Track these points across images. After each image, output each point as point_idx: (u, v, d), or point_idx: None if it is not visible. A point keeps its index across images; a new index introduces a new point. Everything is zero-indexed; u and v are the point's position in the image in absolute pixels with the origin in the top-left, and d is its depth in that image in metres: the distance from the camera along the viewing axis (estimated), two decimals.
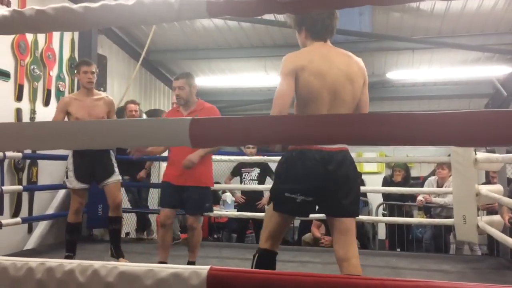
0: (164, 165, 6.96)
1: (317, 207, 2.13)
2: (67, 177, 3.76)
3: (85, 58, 4.42)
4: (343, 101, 2.04)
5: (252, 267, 2.02)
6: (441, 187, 5.28)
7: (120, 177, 3.90)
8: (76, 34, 5.59)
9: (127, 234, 6.07)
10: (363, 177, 8.92)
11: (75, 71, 3.86)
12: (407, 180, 5.79)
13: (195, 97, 3.45)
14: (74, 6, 1.20)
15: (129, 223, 6.22)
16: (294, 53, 2.08)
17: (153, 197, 6.39)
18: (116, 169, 3.86)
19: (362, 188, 6.88)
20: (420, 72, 7.86)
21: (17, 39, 4.65)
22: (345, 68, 2.04)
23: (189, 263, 3.50)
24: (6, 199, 4.35)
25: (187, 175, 3.32)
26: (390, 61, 7.76)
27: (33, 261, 1.22)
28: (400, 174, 5.78)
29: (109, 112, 3.82)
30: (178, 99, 3.40)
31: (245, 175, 5.67)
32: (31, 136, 1.28)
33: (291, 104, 2.03)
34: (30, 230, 4.83)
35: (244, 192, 5.72)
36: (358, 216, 2.16)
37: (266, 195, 5.39)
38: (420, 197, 5.35)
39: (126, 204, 5.35)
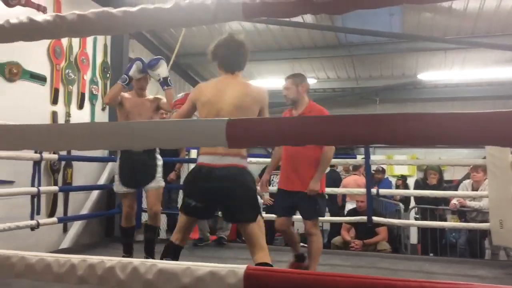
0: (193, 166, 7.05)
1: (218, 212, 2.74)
2: (114, 181, 3.68)
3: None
4: None
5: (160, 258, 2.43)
6: (476, 190, 5.14)
7: (162, 184, 3.67)
8: (109, 38, 5.72)
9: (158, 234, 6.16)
10: (391, 179, 8.81)
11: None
12: (441, 183, 5.66)
13: (307, 98, 3.35)
14: (114, 10, 1.23)
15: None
16: (199, 85, 2.68)
17: None
18: (159, 174, 3.64)
19: (394, 191, 6.83)
20: (452, 73, 7.70)
21: (53, 44, 4.80)
22: (234, 100, 2.42)
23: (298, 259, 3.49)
24: (43, 200, 4.48)
25: (299, 181, 3.28)
26: (421, 62, 7.63)
27: (75, 258, 1.26)
28: (435, 177, 5.66)
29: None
30: (285, 99, 3.34)
31: (273, 177, 5.67)
32: (70, 136, 1.32)
33: None
34: (65, 230, 4.97)
35: (272, 194, 5.71)
36: (251, 221, 2.37)
37: None
38: (454, 201, 5.22)
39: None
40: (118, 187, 3.60)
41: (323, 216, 3.72)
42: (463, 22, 6.10)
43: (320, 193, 3.30)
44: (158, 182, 3.62)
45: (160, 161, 3.67)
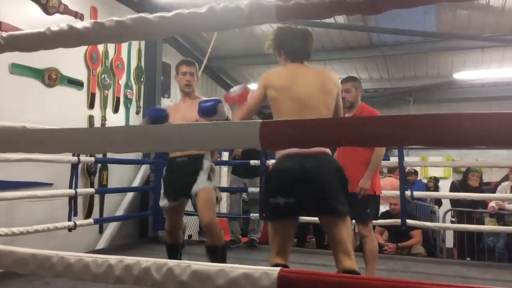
0: (224, 169, 7.10)
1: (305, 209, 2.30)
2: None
3: (187, 58, 3.69)
4: (314, 108, 2.21)
5: None
6: None
7: (211, 185, 2.99)
8: (143, 43, 5.84)
9: (190, 236, 6.23)
10: (425, 181, 8.60)
11: (175, 72, 3.25)
12: (481, 185, 5.50)
13: (360, 101, 3.38)
14: (150, 16, 1.26)
15: (192, 225, 6.39)
16: (269, 71, 2.38)
17: None
18: (204, 176, 2.98)
19: (428, 193, 6.67)
20: (490, 71, 7.46)
21: (90, 50, 4.94)
22: (315, 82, 2.25)
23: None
24: (80, 201, 4.62)
25: (352, 182, 3.04)
26: (457, 61, 7.44)
27: (113, 258, 1.29)
28: (477, 179, 5.50)
29: None
30: (344, 102, 3.18)
31: None
32: (108, 139, 1.36)
33: (256, 111, 2.39)
34: (101, 231, 5.09)
35: None
36: (344, 214, 2.14)
37: None
38: (492, 203, 5.06)
39: (189, 207, 5.51)
40: (163, 201, 3.06)
41: (376, 219, 3.53)
42: (501, 19, 5.90)
43: (372, 194, 3.20)
44: (203, 182, 2.95)
45: (207, 163, 3.05)
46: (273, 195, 2.12)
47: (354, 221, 3.19)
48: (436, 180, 7.99)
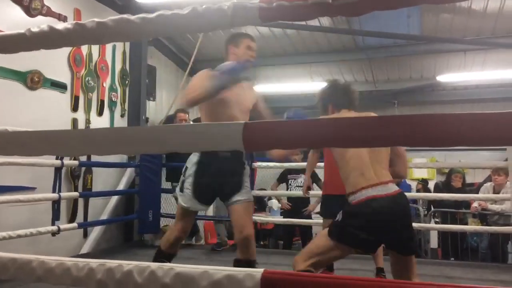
0: None
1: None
2: (181, 191, 2.64)
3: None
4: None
5: None
6: (498, 193, 5.04)
7: (252, 197, 2.72)
8: (127, 46, 5.81)
9: None
10: (409, 183, 8.70)
11: (230, 44, 2.76)
12: (464, 186, 5.58)
13: None
14: (132, 17, 1.25)
15: None
16: None
17: None
18: (247, 183, 2.70)
19: (414, 194, 6.73)
20: (472, 74, 7.58)
21: (73, 52, 4.89)
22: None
23: (378, 270, 3.46)
24: (64, 205, 4.56)
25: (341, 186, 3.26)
26: (440, 63, 7.54)
27: (94, 262, 1.27)
28: (460, 180, 5.58)
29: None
30: None
31: (291, 181, 5.65)
32: (91, 141, 1.34)
33: None
34: (86, 235, 5.03)
35: (290, 199, 5.69)
36: (415, 252, 2.32)
37: (313, 201, 5.34)
38: (475, 204, 5.13)
39: (173, 210, 5.49)
40: (189, 202, 2.61)
41: None
42: (483, 23, 6.00)
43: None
44: (248, 193, 2.67)
45: (247, 168, 2.76)
46: (357, 229, 2.14)
47: None
48: (425, 182, 8.06)
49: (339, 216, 2.23)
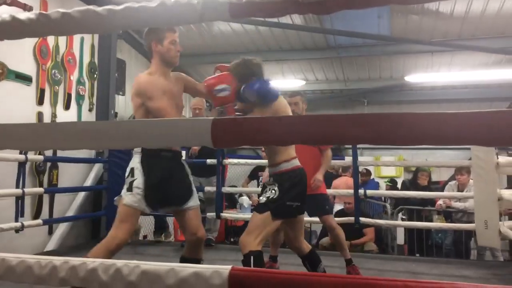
0: None
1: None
2: (129, 190, 2.44)
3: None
4: None
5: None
6: (462, 191, 5.19)
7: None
8: (96, 39, 5.68)
9: (145, 236, 6.11)
10: (377, 180, 8.85)
11: (153, 41, 2.63)
12: (429, 184, 5.72)
13: (304, 113, 3.66)
14: (99, 8, 1.22)
15: (147, 225, 6.26)
16: None
17: None
18: (194, 187, 2.70)
19: (381, 192, 6.86)
20: (439, 75, 7.78)
21: (39, 44, 4.74)
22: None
23: (347, 261, 3.66)
24: (28, 201, 4.43)
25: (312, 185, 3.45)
26: (408, 64, 7.70)
27: (57, 260, 1.24)
28: (426, 178, 5.71)
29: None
30: (293, 113, 3.24)
31: (262, 178, 5.67)
32: (55, 135, 1.30)
33: None
34: (51, 232, 4.90)
35: None
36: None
37: None
38: (440, 202, 5.27)
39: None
40: (139, 203, 2.43)
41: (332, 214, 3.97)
42: (449, 25, 6.16)
43: (324, 193, 3.65)
44: (197, 196, 2.69)
45: (188, 169, 2.71)
46: (293, 199, 2.56)
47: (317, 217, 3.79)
48: (393, 182, 8.17)
49: (275, 193, 2.54)
